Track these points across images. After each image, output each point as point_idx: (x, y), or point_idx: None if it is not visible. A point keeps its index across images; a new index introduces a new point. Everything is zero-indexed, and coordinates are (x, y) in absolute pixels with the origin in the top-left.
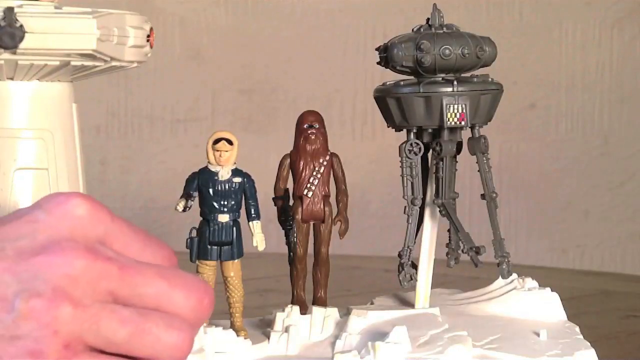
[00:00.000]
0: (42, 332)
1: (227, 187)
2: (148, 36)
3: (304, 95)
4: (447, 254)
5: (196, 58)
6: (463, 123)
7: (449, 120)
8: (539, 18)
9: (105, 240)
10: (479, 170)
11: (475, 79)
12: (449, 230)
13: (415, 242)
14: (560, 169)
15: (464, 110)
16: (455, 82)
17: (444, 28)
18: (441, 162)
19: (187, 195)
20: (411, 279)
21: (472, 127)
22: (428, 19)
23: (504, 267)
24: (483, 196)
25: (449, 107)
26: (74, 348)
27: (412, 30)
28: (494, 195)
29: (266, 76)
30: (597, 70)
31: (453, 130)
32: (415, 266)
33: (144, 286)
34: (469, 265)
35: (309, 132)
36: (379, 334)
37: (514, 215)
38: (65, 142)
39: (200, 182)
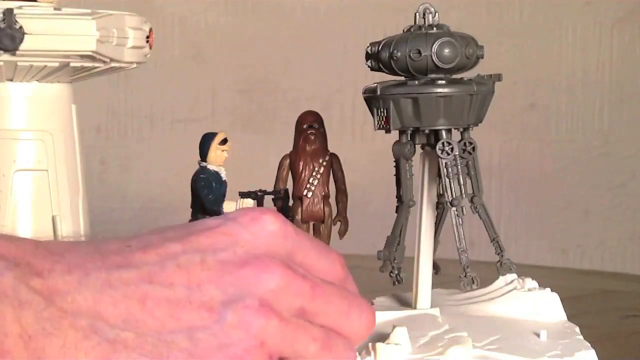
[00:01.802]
0: (250, 342)
1: (225, 187)
2: (147, 37)
3: (303, 95)
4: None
5: (196, 58)
6: (387, 127)
7: (376, 124)
8: (539, 18)
9: (293, 254)
10: (437, 175)
11: (417, 81)
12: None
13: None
14: (560, 169)
15: (387, 114)
16: (377, 86)
17: (423, 28)
18: (403, 164)
19: (248, 194)
20: (397, 281)
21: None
22: (422, 17)
23: (505, 261)
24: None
25: (376, 110)
26: None
27: (403, 30)
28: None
29: (266, 76)
30: (597, 70)
31: (404, 132)
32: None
33: (329, 305)
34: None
35: (309, 132)
36: (379, 335)
37: (514, 215)
38: (65, 143)
39: (214, 184)
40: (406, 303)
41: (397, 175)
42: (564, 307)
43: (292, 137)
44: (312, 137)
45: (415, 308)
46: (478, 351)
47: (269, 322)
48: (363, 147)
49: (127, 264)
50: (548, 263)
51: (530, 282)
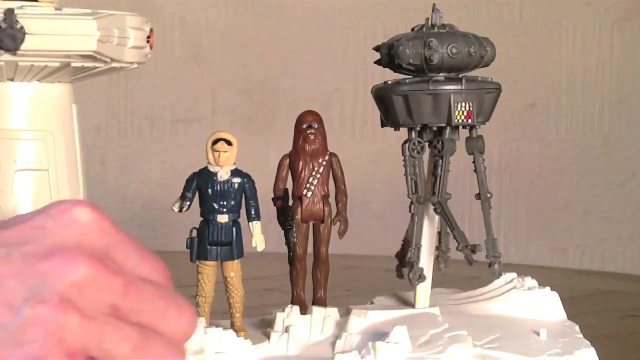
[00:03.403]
0: (47, 339)
1: (225, 187)
2: (148, 37)
3: (303, 95)
4: (437, 257)
5: (196, 58)
6: (469, 121)
7: (456, 118)
8: (539, 18)
9: (109, 250)
10: (474, 170)
11: (480, 78)
12: (439, 233)
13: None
14: (560, 169)
15: (471, 109)
16: (463, 80)
17: (447, 28)
18: (440, 160)
19: (182, 197)
20: (420, 277)
21: (472, 127)
22: (428, 19)
23: (495, 267)
24: (478, 196)
25: (457, 105)
26: (76, 358)
27: (412, 29)
28: (489, 195)
29: (266, 76)
30: (597, 70)
31: (455, 128)
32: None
33: (144, 303)
34: (469, 265)
35: (308, 132)
36: (379, 334)
37: (514, 215)
38: (66, 143)
39: (200, 183)
40: (406, 303)
41: (439, 171)
42: (563, 307)
43: (292, 137)
44: (312, 137)
45: (415, 307)
46: (478, 350)
47: (68, 318)
48: (363, 147)
49: None
50: (548, 263)
51: (530, 281)
